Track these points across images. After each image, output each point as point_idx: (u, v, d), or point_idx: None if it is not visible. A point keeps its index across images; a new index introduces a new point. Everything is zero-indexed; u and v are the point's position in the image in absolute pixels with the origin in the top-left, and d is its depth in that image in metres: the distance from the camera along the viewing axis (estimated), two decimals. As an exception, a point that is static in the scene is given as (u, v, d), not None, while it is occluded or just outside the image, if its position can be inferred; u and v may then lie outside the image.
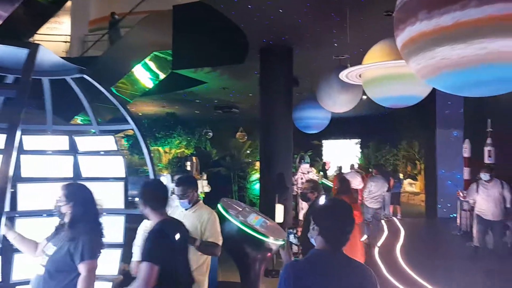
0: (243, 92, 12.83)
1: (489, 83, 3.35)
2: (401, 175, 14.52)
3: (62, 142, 3.79)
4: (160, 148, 14.11)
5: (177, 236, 2.50)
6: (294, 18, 6.70)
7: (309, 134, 10.05)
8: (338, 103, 6.78)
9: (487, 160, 7.74)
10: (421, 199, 13.51)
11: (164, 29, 8.73)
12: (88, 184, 3.83)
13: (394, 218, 10.68)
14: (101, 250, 2.45)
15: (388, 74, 4.63)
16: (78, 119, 9.96)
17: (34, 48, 2.54)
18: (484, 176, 6.16)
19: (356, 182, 9.29)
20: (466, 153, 8.53)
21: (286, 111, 8.03)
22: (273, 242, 4.32)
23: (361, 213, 5.75)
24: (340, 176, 6.09)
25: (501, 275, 5.50)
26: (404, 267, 6.36)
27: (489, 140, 7.81)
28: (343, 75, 5.22)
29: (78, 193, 2.51)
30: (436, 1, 2.99)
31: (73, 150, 3.84)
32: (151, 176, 4.00)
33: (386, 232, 9.03)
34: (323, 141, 19.21)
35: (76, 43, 14.49)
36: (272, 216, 6.15)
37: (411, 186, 15.10)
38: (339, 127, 9.41)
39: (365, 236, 7.58)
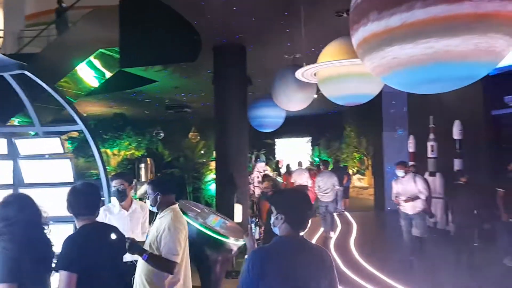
0: (196, 91, 12.60)
1: (438, 80, 3.52)
2: (350, 171, 15.15)
3: (-1, 145, 3.44)
4: (108, 150, 13.42)
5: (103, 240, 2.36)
6: (248, 17, 6.66)
7: (261, 133, 10.09)
8: (294, 101, 6.85)
9: (430, 154, 8.25)
10: (369, 193, 14.14)
11: (111, 25, 8.27)
12: (32, 191, 3.53)
13: (346, 212, 11.07)
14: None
15: (343, 72, 4.73)
16: (15, 121, 9.17)
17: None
18: (399, 172, 6.22)
19: (303, 179, 9.74)
20: (411, 148, 9.03)
21: (241, 110, 7.98)
22: (233, 243, 4.25)
23: None
24: (266, 176, 6.15)
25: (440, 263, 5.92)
26: (359, 259, 6.59)
27: (431, 136, 8.33)
28: (299, 73, 5.26)
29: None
30: (385, 3, 3.09)
31: (12, 154, 3.49)
32: (103, 178, 3.75)
33: (339, 226, 9.33)
34: (276, 140, 19.44)
35: (11, 39, 13.34)
36: (230, 216, 6.07)
37: (360, 181, 15.76)
38: (291, 125, 9.56)
39: (321, 230, 7.80)
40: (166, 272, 2.74)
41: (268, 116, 8.41)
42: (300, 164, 11.13)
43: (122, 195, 3.30)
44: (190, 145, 11.93)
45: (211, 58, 8.23)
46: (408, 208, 6.13)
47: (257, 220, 2.88)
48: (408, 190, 6.08)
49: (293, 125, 10.17)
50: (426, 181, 6.36)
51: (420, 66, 3.27)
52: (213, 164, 13.71)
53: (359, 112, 14.46)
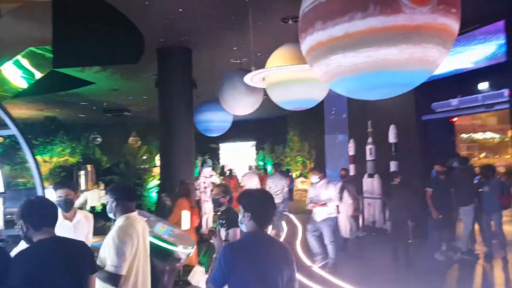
0: (137, 94, 12.10)
1: (379, 87, 3.74)
2: (294, 174, 15.54)
3: None
4: (38, 157, 12.35)
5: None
6: (194, 19, 6.55)
7: (205, 138, 9.95)
8: (242, 106, 6.85)
9: (369, 157, 8.72)
10: (312, 196, 14.59)
11: (43, 21, 7.62)
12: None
13: (290, 214, 11.30)
14: None
15: (291, 78, 4.84)
16: None
17: None
18: (313, 178, 6.39)
19: (254, 182, 9.66)
20: (351, 151, 9.48)
21: (187, 113, 7.80)
22: (182, 251, 4.10)
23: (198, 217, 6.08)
24: (182, 182, 6.22)
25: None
26: (304, 259, 6.75)
27: (370, 140, 8.82)
28: (248, 78, 5.28)
29: None
30: (329, 13, 3.24)
31: None
32: (38, 188, 3.42)
33: (285, 227, 9.49)
34: (220, 144, 19.33)
35: None
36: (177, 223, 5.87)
37: (303, 184, 16.21)
38: (235, 130, 9.57)
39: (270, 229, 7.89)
40: (111, 285, 2.56)
41: (215, 121, 8.34)
42: (250, 167, 11.15)
43: (68, 206, 3.07)
44: (131, 150, 11.39)
45: (154, 60, 7.96)
46: (318, 214, 6.20)
47: (223, 222, 2.88)
48: (321, 196, 6.16)
49: (238, 130, 10.20)
50: (341, 188, 6.85)
51: (362, 74, 3.46)
52: (155, 170, 13.24)
53: (302, 117, 14.93)
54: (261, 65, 5.37)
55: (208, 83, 9.92)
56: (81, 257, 2.17)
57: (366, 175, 8.86)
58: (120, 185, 3.23)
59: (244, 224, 2.25)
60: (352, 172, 9.33)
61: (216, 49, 7.98)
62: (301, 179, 16.17)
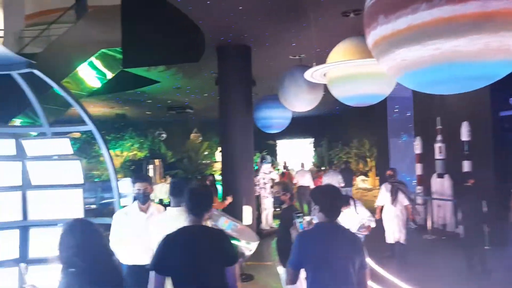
0: (198, 92, 12.50)
1: (453, 81, 3.47)
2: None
3: (7, 146, 3.34)
4: (110, 151, 13.32)
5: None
6: (253, 16, 6.58)
7: (263, 134, 9.98)
8: (302, 102, 6.77)
9: (438, 156, 8.16)
10: (373, 195, 14.04)
11: (113, 24, 8.14)
12: (40, 193, 3.44)
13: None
14: None
15: (354, 72, 4.67)
16: (16, 122, 9.06)
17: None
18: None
19: (306, 180, 9.95)
20: (417, 150, 8.95)
21: (246, 110, 7.89)
22: (245, 246, 4.15)
23: None
24: (278, 182, 6.22)
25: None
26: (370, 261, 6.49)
27: (439, 137, 8.25)
28: (309, 73, 5.18)
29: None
30: (391, 6, 3.09)
31: (20, 155, 3.40)
32: (113, 181, 3.66)
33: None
34: (278, 141, 19.34)
35: (11, 39, 13.22)
36: (238, 218, 5.97)
37: (364, 183, 15.67)
38: (293, 126, 9.46)
39: None
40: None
41: (274, 117, 8.33)
42: (302, 165, 11.09)
43: (145, 198, 3.25)
44: (193, 146, 11.82)
45: (214, 58, 8.15)
46: None
47: (301, 214, 2.93)
48: None
49: (295, 126, 10.09)
50: (394, 190, 6.43)
51: (431, 67, 3.25)
52: (216, 165, 13.61)
53: (361, 113, 14.42)
54: (321, 61, 5.24)
55: (267, 80, 9.95)
56: (224, 248, 2.31)
57: (435, 175, 8.30)
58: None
59: (316, 215, 2.52)
60: (418, 171, 8.81)
61: (275, 46, 7.96)
62: (362, 177, 15.63)
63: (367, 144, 15.24)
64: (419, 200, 8.51)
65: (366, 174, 15.67)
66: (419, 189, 9.00)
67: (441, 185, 8.18)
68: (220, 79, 8.21)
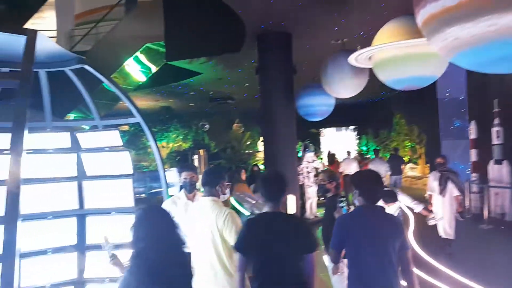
0: (239, 82, 12.56)
1: (507, 60, 3.20)
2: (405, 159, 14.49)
3: (63, 139, 3.53)
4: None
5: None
6: (294, 1, 6.43)
7: (306, 123, 9.82)
8: (346, 88, 6.55)
9: (496, 141, 7.61)
10: (423, 183, 13.44)
11: (156, 19, 8.34)
12: (95, 183, 3.62)
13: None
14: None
15: (401, 54, 4.43)
16: (71, 117, 9.61)
17: (32, 33, 2.25)
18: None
19: (352, 168, 9.85)
20: (472, 134, 8.39)
21: (288, 99, 7.80)
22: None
23: None
24: (323, 171, 6.07)
25: None
26: (420, 252, 6.25)
27: (496, 121, 7.67)
28: (353, 58, 4.99)
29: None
30: None
31: (75, 147, 3.58)
32: (160, 171, 3.77)
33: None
34: (321, 129, 19.02)
35: (63, 38, 13.99)
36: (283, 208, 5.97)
37: (413, 171, 15.02)
38: (336, 114, 9.19)
39: None
40: None
41: (317, 105, 8.16)
42: (348, 153, 10.88)
43: (192, 187, 3.32)
44: (236, 136, 11.93)
45: (255, 47, 8.09)
46: None
47: (344, 199, 3.24)
48: None
49: (339, 114, 9.82)
50: (443, 179, 6.03)
51: (486, 45, 3.01)
52: (258, 155, 13.66)
53: (409, 98, 13.77)
54: (365, 45, 5.01)
55: (309, 67, 9.75)
56: (304, 235, 2.40)
57: (492, 162, 7.75)
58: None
59: (356, 199, 2.62)
60: (473, 157, 8.27)
61: (317, 31, 7.75)
62: (411, 165, 14.99)
63: (416, 130, 14.55)
64: (474, 188, 8.00)
65: (415, 162, 15.00)
66: (474, 176, 8.46)
67: (499, 171, 7.62)
68: (260, 68, 8.16)
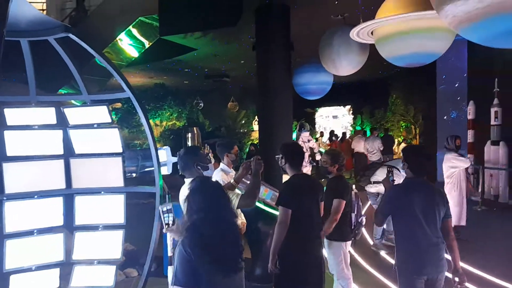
0: (235, 59, 12.24)
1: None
2: (396, 140, 14.43)
3: (48, 115, 3.34)
4: (150, 121, 13.56)
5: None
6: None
7: (301, 102, 9.62)
8: (346, 65, 6.31)
9: (493, 121, 7.52)
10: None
11: (149, -10, 7.99)
12: (83, 161, 3.46)
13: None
14: None
15: (405, 29, 4.22)
16: (62, 92, 9.33)
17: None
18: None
19: (361, 146, 10.94)
20: (470, 115, 8.28)
21: (285, 76, 7.57)
22: (285, 215, 4.03)
23: None
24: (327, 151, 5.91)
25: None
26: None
27: (495, 101, 7.56)
28: (354, 32, 4.78)
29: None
30: None
31: (61, 123, 3.40)
32: (152, 148, 3.60)
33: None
34: (316, 109, 18.81)
35: (53, 11, 13.49)
36: (277, 187, 5.85)
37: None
38: (331, 93, 8.96)
39: None
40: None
41: (314, 83, 7.92)
42: (344, 134, 11.04)
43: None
44: (231, 115, 11.72)
45: (252, 22, 7.79)
46: None
47: (392, 170, 3.29)
48: None
49: (333, 93, 9.61)
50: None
51: (482, 22, 2.89)
52: (254, 134, 13.49)
53: (407, 77, 13.56)
54: (366, 20, 4.79)
55: (307, 43, 9.47)
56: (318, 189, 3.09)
57: (488, 142, 7.69)
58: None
59: (405, 171, 2.90)
60: (470, 138, 8.20)
61: (316, 4, 7.45)
62: (403, 145, 14.92)
63: (412, 110, 14.40)
64: (469, 169, 7.96)
65: (410, 142, 14.91)
66: (469, 157, 8.42)
67: (495, 153, 7.57)
68: (257, 43, 7.88)
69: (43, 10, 13.55)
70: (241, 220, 3.59)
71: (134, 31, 9.66)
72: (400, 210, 2.76)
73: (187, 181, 2.88)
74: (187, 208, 1.91)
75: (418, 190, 2.74)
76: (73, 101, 4.49)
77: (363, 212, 4.12)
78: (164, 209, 2.19)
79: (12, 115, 3.26)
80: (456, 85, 10.32)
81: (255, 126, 14.80)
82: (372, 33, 4.86)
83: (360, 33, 4.85)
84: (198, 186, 1.97)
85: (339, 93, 14.05)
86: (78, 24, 9.57)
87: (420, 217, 2.67)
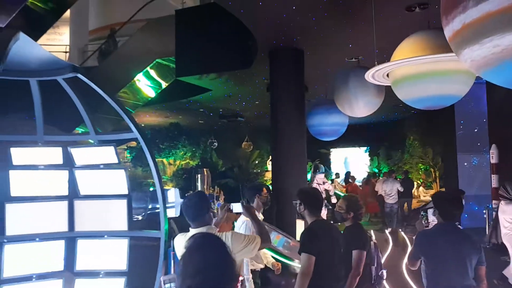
0: (249, 99, 12.36)
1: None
2: (415, 183, 13.96)
3: (55, 154, 3.27)
4: (164, 160, 13.54)
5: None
6: (307, 16, 6.21)
7: (316, 142, 9.48)
8: (362, 106, 6.21)
9: (519, 165, 7.17)
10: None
11: (167, 35, 8.25)
12: (87, 203, 3.33)
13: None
14: None
15: (423, 71, 4.11)
16: (79, 131, 9.45)
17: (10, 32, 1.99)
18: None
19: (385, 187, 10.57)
20: (493, 159, 7.94)
21: (299, 117, 7.50)
22: (298, 266, 3.75)
23: None
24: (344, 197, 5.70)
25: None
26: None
27: (520, 144, 7.25)
28: (369, 74, 4.70)
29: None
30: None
31: (68, 163, 3.31)
32: (158, 189, 3.46)
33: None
34: (331, 150, 18.58)
35: (76, 53, 14.08)
36: (290, 233, 5.57)
37: (426, 194, 14.39)
38: (347, 134, 8.81)
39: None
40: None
41: (328, 124, 7.81)
42: (388, 174, 10.86)
43: None
44: (244, 154, 11.63)
45: (266, 64, 7.88)
46: None
47: (426, 210, 3.60)
48: None
49: (349, 134, 9.48)
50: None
51: (499, 66, 2.77)
52: (267, 175, 13.28)
53: (424, 119, 13.37)
54: (383, 61, 4.74)
55: (321, 85, 9.49)
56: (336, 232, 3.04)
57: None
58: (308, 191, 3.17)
59: (435, 216, 2.90)
60: (494, 183, 7.81)
61: (330, 47, 7.51)
62: (423, 189, 14.41)
63: (431, 152, 14.05)
64: (494, 215, 7.51)
65: (429, 186, 14.44)
66: (495, 203, 7.97)
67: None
68: (271, 85, 7.92)
69: (66, 52, 14.19)
70: (271, 260, 3.54)
71: (152, 72, 9.90)
72: (428, 255, 2.78)
73: (194, 231, 2.47)
74: (182, 270, 1.57)
75: (447, 236, 2.74)
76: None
77: (383, 263, 3.80)
78: (166, 279, 1.99)
79: (19, 154, 3.20)
80: (476, 130, 10.06)
81: (269, 166, 14.64)
82: (388, 75, 4.77)
83: (376, 75, 4.76)
84: (198, 244, 1.62)
85: (354, 134, 13.91)
86: (107, 56, 9.92)
87: (447, 263, 2.67)
